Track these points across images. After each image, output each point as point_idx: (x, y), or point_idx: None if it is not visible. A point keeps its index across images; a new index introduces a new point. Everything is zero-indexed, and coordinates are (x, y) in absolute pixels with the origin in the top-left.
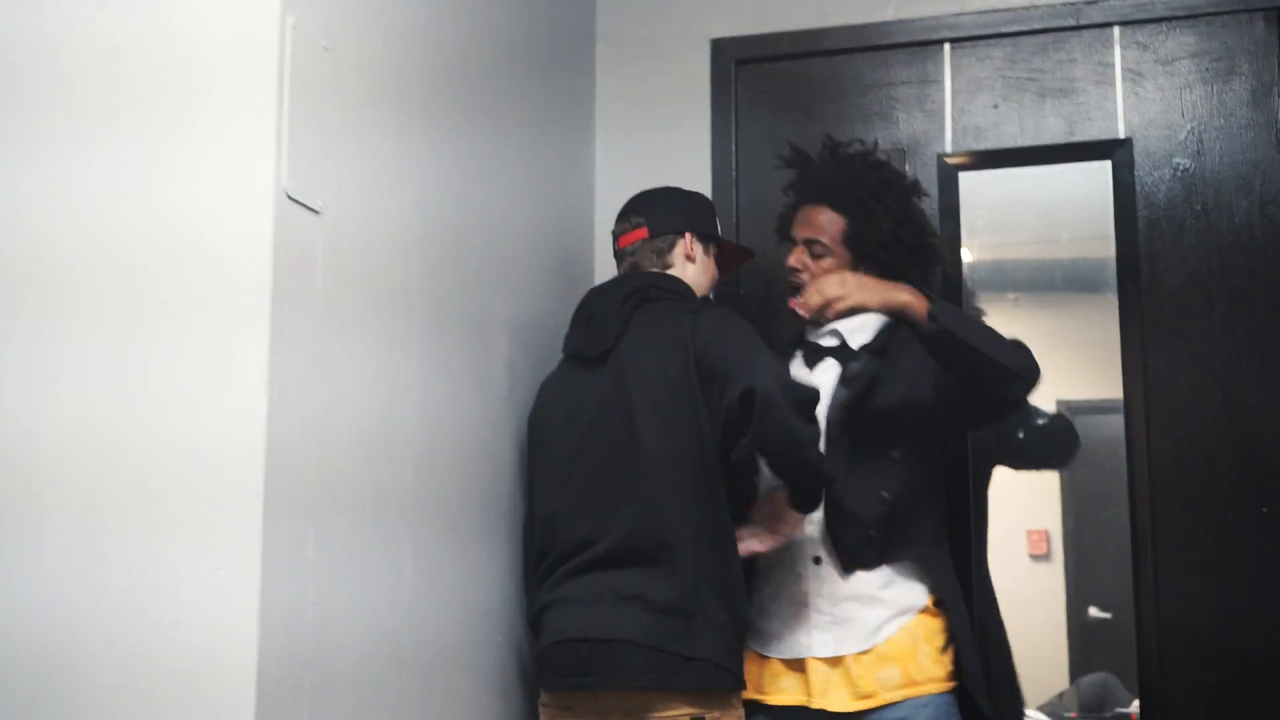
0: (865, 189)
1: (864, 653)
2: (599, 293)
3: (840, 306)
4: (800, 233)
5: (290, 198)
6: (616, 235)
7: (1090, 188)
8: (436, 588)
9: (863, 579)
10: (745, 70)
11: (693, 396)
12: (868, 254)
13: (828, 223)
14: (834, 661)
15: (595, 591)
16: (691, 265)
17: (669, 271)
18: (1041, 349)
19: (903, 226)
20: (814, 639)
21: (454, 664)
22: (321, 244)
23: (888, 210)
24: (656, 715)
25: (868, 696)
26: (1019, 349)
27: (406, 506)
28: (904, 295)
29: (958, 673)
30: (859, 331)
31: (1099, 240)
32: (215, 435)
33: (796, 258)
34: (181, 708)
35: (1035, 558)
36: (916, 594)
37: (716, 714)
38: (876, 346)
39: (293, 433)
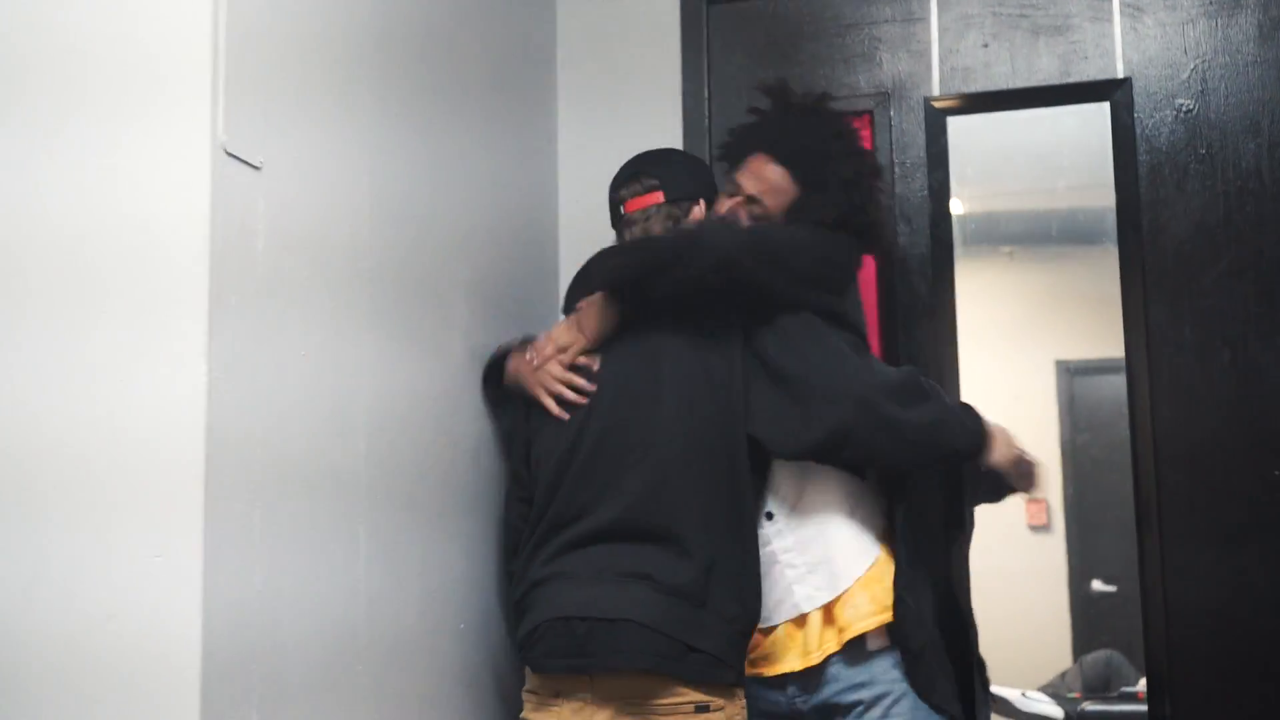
0: (836, 174)
1: (848, 588)
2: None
3: (576, 350)
4: (747, 183)
5: (228, 152)
6: (624, 198)
7: (1087, 132)
8: (394, 571)
9: (822, 517)
10: (717, 10)
11: (732, 381)
12: None
13: (779, 187)
14: (824, 609)
15: (597, 567)
16: None
17: None
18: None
19: (854, 215)
20: (798, 594)
21: (414, 652)
22: (263, 203)
23: (849, 200)
24: (658, 703)
25: (843, 630)
26: (697, 231)
27: (360, 485)
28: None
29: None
30: None
31: (1097, 188)
32: (152, 412)
33: (732, 208)
34: (122, 703)
35: (1034, 529)
36: (878, 516)
37: (721, 702)
38: None
39: (235, 408)
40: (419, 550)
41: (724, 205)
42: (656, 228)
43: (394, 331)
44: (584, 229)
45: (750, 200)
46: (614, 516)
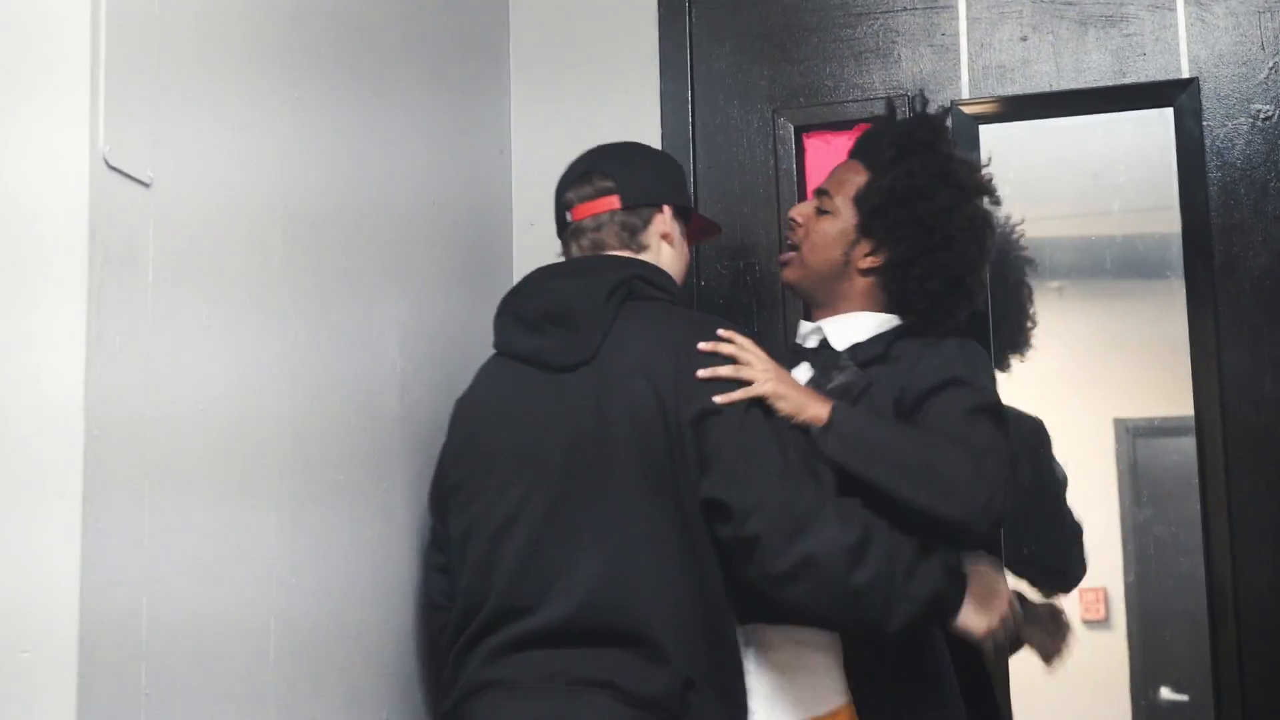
0: (893, 146)
1: None
2: (562, 277)
3: (749, 393)
4: (821, 181)
5: (110, 166)
6: (570, 203)
7: (1147, 143)
8: (311, 568)
9: (796, 633)
10: None
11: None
12: (872, 223)
13: (848, 175)
14: None
15: (544, 673)
16: (668, 248)
17: (643, 256)
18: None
19: (916, 201)
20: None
21: (333, 658)
22: (152, 226)
23: (906, 171)
24: None
25: None
26: (964, 474)
27: (273, 476)
28: (812, 409)
29: None
30: (849, 330)
31: (1160, 211)
32: (21, 468)
33: (799, 209)
34: None
35: (1090, 624)
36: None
37: None
38: (870, 354)
39: (118, 467)
40: (341, 545)
41: (794, 209)
42: (610, 240)
43: (312, 379)
44: (542, 240)
45: (820, 193)
46: (565, 614)
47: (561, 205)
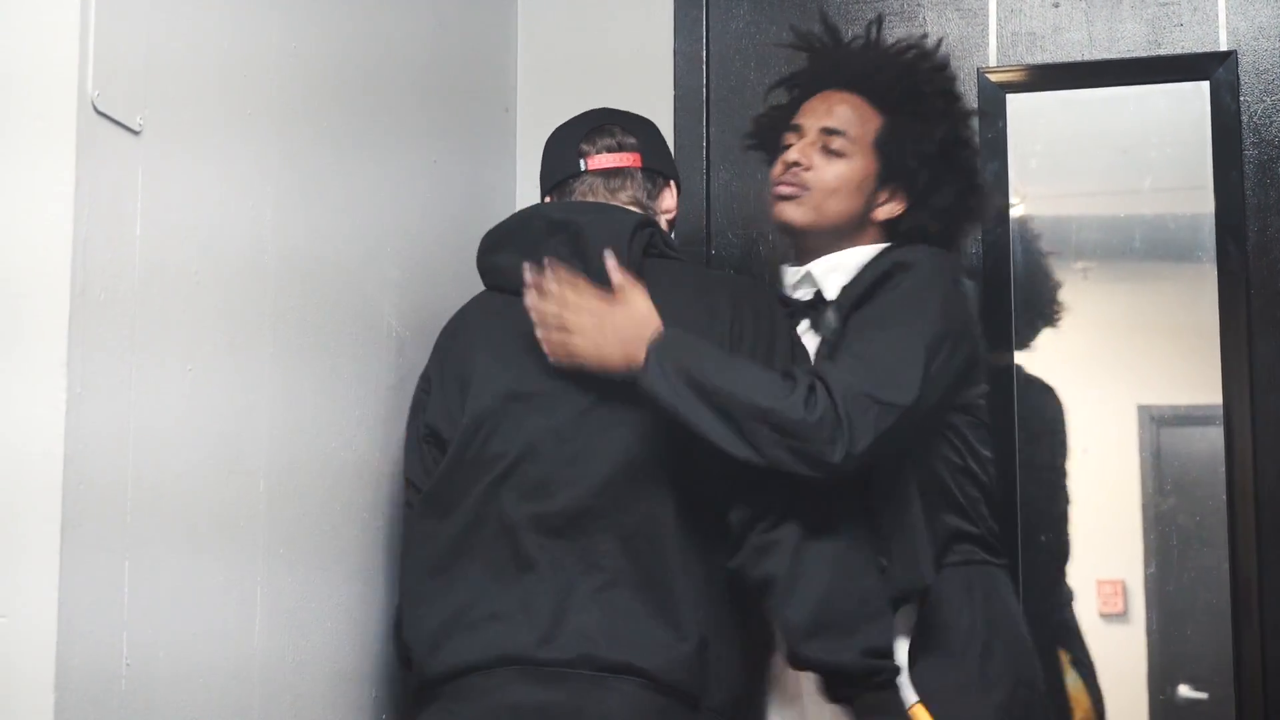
0: (929, 84)
1: None
2: (573, 212)
3: (563, 352)
4: (813, 120)
5: (99, 111)
6: (585, 152)
7: (1181, 118)
8: (297, 638)
9: None
10: None
11: None
12: (899, 175)
13: (859, 115)
14: None
15: (565, 656)
16: (668, 221)
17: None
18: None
19: (960, 151)
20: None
21: None
22: (142, 177)
23: (951, 122)
24: None
25: None
26: (774, 408)
27: (258, 534)
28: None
29: None
30: (837, 270)
31: (1193, 190)
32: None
33: (802, 150)
34: None
35: (1107, 617)
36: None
37: None
38: (851, 297)
39: (101, 437)
40: (329, 613)
41: (788, 157)
42: (625, 198)
43: (306, 347)
44: None
45: (829, 132)
46: (584, 504)
47: (574, 154)
